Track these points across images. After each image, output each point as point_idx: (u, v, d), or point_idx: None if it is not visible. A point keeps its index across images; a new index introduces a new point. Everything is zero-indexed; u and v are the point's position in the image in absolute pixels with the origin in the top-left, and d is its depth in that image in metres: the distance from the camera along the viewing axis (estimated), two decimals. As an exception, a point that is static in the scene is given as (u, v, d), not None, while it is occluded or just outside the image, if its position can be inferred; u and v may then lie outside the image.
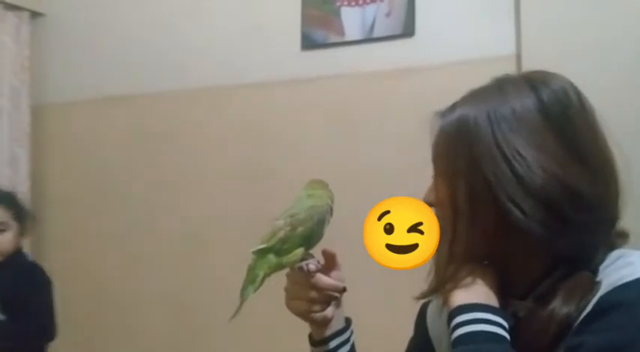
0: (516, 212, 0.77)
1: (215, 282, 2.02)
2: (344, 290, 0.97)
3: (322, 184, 1.03)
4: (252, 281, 0.93)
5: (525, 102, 0.81)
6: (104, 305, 2.23)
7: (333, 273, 0.97)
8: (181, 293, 2.10)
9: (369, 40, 1.89)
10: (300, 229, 0.93)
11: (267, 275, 0.93)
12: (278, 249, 0.93)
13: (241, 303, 0.93)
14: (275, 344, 1.87)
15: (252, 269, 0.94)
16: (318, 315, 0.96)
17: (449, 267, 0.84)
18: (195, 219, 2.10)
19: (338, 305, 0.99)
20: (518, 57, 1.68)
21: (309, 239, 0.95)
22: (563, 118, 0.81)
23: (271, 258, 0.93)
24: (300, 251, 0.94)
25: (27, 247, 2.26)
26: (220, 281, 1.98)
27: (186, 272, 2.10)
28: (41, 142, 2.36)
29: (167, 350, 2.13)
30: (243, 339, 1.84)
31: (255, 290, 0.93)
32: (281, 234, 0.93)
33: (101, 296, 2.24)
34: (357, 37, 1.90)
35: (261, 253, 0.93)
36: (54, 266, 2.32)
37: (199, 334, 2.06)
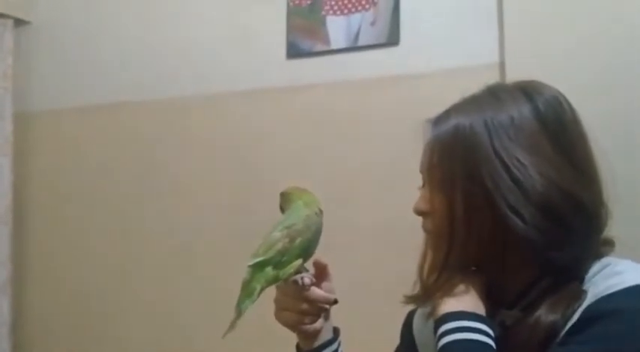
0: (516, 220, 0.77)
1: (204, 294, 2.00)
2: (335, 302, 0.95)
3: (305, 190, 1.01)
4: (249, 294, 0.90)
5: (522, 111, 0.82)
6: (90, 318, 2.21)
7: (324, 284, 0.96)
8: (170, 306, 2.08)
9: (354, 48, 1.89)
10: (298, 240, 0.91)
11: (263, 288, 0.91)
12: (277, 261, 0.90)
13: (237, 318, 0.90)
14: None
15: (248, 283, 0.91)
16: (308, 327, 0.95)
17: (441, 275, 0.84)
18: (184, 230, 2.08)
19: (327, 316, 0.98)
20: (502, 65, 1.69)
21: (307, 249, 0.94)
22: (558, 126, 0.81)
23: (269, 270, 0.90)
24: (298, 262, 0.92)
25: (10, 258, 2.23)
26: (210, 293, 1.98)
27: (175, 283, 2.08)
28: (25, 151, 2.34)
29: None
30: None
31: (252, 303, 0.91)
32: (279, 246, 0.90)
33: (87, 309, 2.21)
34: (343, 45, 1.90)
35: (258, 266, 0.90)
36: (38, 277, 2.30)
37: (187, 347, 2.04)
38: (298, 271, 0.93)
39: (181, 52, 2.15)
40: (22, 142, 2.33)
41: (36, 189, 2.35)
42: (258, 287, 0.90)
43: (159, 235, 2.12)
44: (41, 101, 2.37)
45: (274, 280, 0.92)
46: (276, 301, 0.96)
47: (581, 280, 0.79)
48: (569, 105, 0.84)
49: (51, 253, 2.29)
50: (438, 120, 0.87)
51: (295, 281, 0.92)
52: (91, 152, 2.26)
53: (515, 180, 0.78)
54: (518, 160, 0.78)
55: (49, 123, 2.35)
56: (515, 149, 0.79)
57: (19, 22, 2.37)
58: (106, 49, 2.28)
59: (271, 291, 0.96)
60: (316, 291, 0.93)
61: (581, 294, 0.76)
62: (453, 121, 0.84)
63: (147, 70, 2.19)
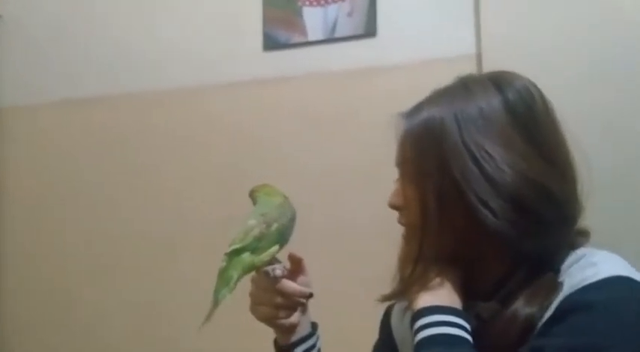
0: (486, 212, 0.76)
1: (186, 290, 1.98)
2: (310, 295, 0.95)
3: (264, 184, 1.01)
4: (226, 283, 0.90)
5: (492, 102, 0.81)
6: (71, 315, 2.17)
7: (300, 278, 0.96)
8: (151, 302, 2.06)
9: (331, 40, 1.88)
10: (275, 226, 0.92)
11: (240, 276, 0.90)
12: (254, 247, 0.90)
13: (214, 307, 0.90)
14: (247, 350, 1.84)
15: (225, 271, 0.90)
16: (284, 321, 0.95)
17: (416, 269, 0.83)
18: (165, 224, 2.06)
19: (304, 310, 0.98)
20: (479, 56, 1.70)
21: (284, 235, 0.94)
22: (528, 117, 0.81)
23: (245, 257, 0.90)
24: (275, 249, 0.92)
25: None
26: (191, 288, 1.95)
27: (156, 279, 2.05)
28: (1, 147, 2.30)
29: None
30: (213, 347, 1.81)
31: (230, 293, 0.90)
32: (255, 231, 0.90)
33: (67, 306, 2.18)
34: (319, 37, 1.89)
35: (234, 254, 0.90)
36: (17, 275, 2.27)
37: (169, 343, 2.02)
38: (272, 262, 0.92)
39: (156, 45, 2.12)
40: (-1, 137, 2.29)
41: (9, 185, 2.31)
42: (235, 276, 0.90)
43: (137, 230, 2.09)
44: (17, 96, 2.32)
45: (251, 267, 0.91)
46: (252, 295, 0.95)
47: (557, 271, 0.79)
48: (541, 95, 0.84)
49: (27, 248, 2.26)
50: (410, 114, 0.87)
51: (267, 273, 0.91)
52: (64, 147, 2.23)
53: (484, 173, 0.77)
54: (487, 152, 0.78)
55: (26, 118, 2.31)
56: (484, 141, 0.79)
57: (-11, 16, 2.32)
58: (79, 43, 2.24)
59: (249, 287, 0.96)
60: (290, 284, 0.93)
61: (557, 286, 0.76)
62: (424, 114, 0.84)
63: (121, 64, 2.16)
